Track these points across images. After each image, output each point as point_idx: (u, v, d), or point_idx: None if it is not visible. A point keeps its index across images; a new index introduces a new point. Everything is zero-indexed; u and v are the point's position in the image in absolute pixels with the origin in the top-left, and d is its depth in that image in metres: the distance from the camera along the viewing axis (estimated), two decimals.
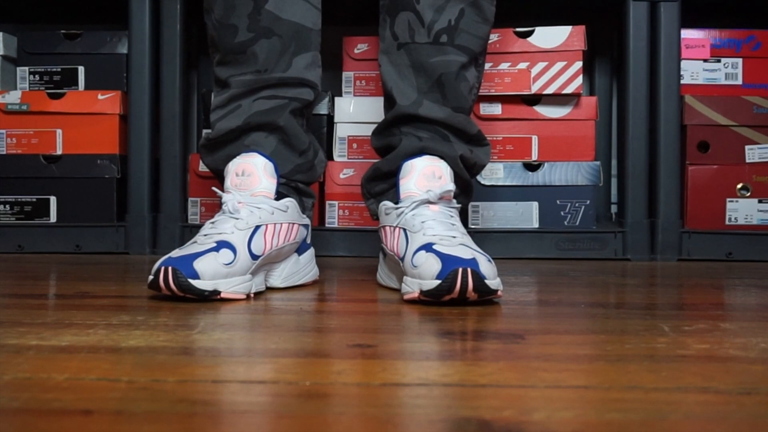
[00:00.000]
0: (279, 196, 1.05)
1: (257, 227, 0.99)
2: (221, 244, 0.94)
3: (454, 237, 0.94)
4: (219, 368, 0.61)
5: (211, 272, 0.91)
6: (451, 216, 1.00)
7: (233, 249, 0.94)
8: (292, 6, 1.07)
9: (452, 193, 1.02)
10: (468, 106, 1.09)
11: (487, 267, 0.88)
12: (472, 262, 0.87)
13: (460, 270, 0.86)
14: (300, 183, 1.13)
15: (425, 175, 1.01)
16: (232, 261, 0.93)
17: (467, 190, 1.13)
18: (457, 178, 1.08)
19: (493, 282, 0.89)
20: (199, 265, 0.90)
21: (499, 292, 0.90)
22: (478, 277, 0.86)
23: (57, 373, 0.58)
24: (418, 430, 0.46)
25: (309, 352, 0.66)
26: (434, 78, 1.06)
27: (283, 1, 1.06)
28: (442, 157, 1.05)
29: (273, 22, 1.06)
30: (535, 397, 0.53)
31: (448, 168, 1.04)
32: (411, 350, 0.68)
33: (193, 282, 0.90)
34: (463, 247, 0.91)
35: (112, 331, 0.74)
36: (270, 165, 1.03)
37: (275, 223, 1.02)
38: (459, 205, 1.04)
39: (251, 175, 1.02)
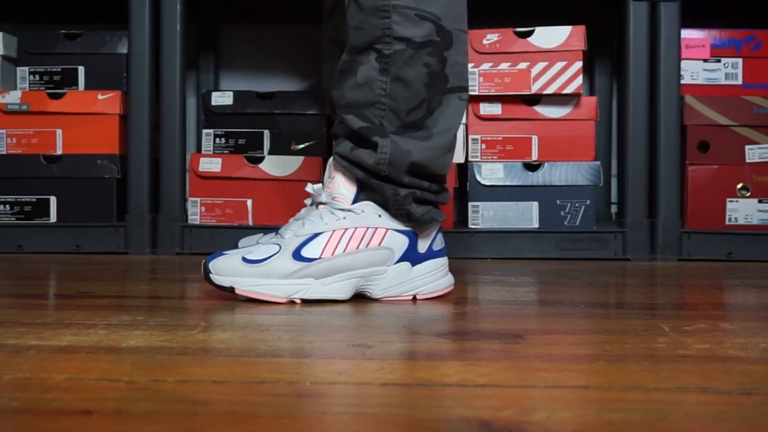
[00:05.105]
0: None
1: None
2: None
3: (276, 235, 1.00)
4: (219, 368, 0.61)
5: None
6: (321, 218, 0.97)
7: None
8: None
9: (328, 196, 0.99)
10: (351, 100, 0.98)
11: (222, 264, 0.93)
12: (212, 257, 0.94)
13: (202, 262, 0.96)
14: None
15: (327, 175, 1.02)
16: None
17: (375, 194, 0.99)
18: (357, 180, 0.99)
19: (220, 278, 0.93)
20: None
21: (237, 290, 0.93)
22: (206, 270, 0.94)
23: (57, 373, 0.58)
24: (418, 430, 0.46)
25: (309, 352, 0.66)
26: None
27: None
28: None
29: None
30: (535, 397, 0.53)
31: (338, 169, 1.00)
32: (411, 350, 0.68)
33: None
34: (259, 246, 0.96)
35: (112, 331, 0.74)
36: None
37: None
38: (355, 205, 0.98)
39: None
